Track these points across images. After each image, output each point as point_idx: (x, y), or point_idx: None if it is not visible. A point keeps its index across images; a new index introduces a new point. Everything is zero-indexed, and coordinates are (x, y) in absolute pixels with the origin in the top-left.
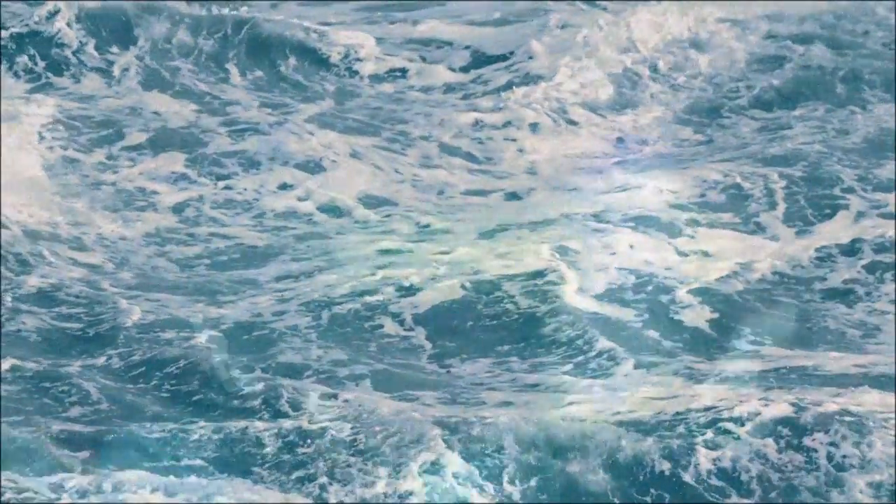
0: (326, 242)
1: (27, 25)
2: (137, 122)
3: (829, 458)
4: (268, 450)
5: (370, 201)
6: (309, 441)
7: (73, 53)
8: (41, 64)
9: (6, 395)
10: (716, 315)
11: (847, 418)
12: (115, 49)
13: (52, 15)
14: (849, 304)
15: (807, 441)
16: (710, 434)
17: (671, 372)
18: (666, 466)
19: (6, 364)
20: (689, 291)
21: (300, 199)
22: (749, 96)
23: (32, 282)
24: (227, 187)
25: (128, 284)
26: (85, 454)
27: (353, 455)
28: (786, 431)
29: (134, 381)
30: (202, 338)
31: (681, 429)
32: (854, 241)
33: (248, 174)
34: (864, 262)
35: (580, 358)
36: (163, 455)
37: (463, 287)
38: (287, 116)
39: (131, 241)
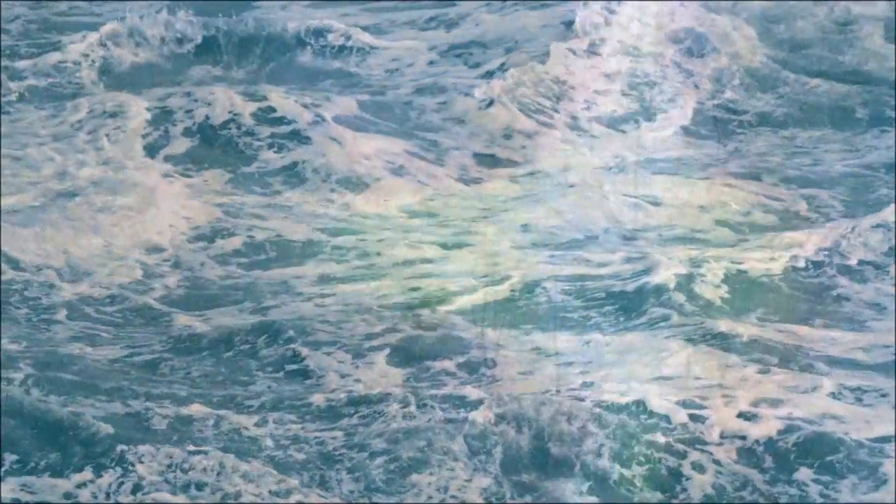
0: (368, 250)
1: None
2: (179, 133)
3: (825, 498)
4: (269, 445)
5: (413, 211)
6: (306, 443)
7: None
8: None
9: (33, 381)
10: (736, 296)
11: (842, 438)
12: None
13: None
14: (861, 282)
15: (797, 475)
16: (695, 454)
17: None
18: (651, 496)
19: (37, 347)
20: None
21: (341, 210)
22: (753, 112)
23: (83, 284)
24: (271, 199)
25: (173, 286)
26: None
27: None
28: (772, 460)
29: (155, 367)
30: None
31: (666, 441)
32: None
33: (292, 189)
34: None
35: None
36: (178, 439)
37: (512, 289)
38: (325, 130)
39: (178, 249)
